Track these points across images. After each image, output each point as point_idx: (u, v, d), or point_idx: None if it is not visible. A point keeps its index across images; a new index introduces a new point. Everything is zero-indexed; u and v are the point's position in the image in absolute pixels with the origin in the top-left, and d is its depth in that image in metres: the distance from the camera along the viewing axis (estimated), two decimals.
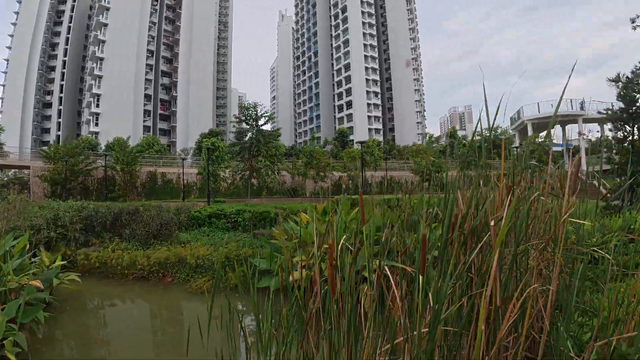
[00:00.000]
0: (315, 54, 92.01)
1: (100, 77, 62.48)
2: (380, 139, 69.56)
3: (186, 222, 16.54)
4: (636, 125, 7.34)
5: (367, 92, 78.34)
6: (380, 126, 79.57)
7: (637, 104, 7.35)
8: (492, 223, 2.10)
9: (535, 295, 2.44)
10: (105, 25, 63.90)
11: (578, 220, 2.68)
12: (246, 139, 22.97)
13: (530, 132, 31.04)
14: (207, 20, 77.53)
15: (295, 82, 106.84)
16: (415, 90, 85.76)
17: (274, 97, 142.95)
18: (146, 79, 67.96)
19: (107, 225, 15.31)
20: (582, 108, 31.06)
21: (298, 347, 2.64)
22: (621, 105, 7.70)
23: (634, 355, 3.22)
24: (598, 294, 5.57)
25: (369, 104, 78.03)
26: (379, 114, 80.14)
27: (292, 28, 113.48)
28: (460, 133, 71.75)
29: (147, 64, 68.29)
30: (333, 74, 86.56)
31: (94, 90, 61.73)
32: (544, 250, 2.60)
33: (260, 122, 22.70)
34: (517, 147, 21.30)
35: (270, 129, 25.75)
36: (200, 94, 73.19)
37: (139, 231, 14.35)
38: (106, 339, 8.57)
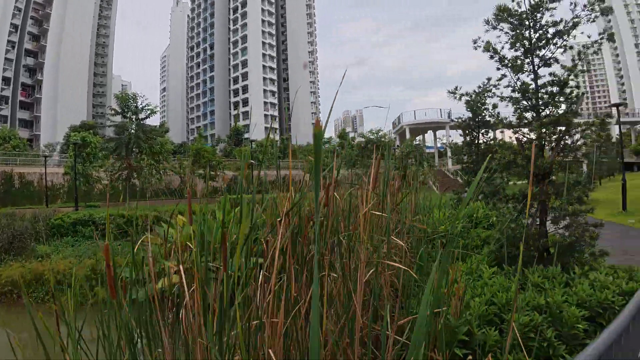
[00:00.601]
0: (212, 46, 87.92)
1: None
2: (277, 137, 69.95)
3: (46, 232, 14.16)
4: (480, 132, 8.76)
5: (265, 90, 78.15)
6: (276, 125, 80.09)
7: (481, 115, 8.72)
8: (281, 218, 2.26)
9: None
10: None
11: (376, 212, 3.00)
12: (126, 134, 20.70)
13: (407, 136, 34.72)
14: None
15: (188, 74, 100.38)
16: (312, 92, 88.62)
17: (164, 89, 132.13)
18: (6, 59, 56.30)
19: None
20: (449, 117, 35.89)
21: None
22: (469, 115, 9.17)
23: (462, 327, 3.66)
24: (442, 273, 6.37)
25: (265, 103, 77.90)
26: (276, 112, 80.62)
27: (188, 16, 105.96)
28: (352, 135, 76.12)
29: (8, 41, 56.58)
30: (230, 69, 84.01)
31: None
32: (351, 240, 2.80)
33: (142, 115, 20.67)
34: (395, 148, 23.56)
35: (159, 124, 23.73)
36: (73, 78, 63.31)
37: None
38: None
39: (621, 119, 51.36)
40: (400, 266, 2.67)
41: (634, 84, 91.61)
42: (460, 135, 9.44)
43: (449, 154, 34.39)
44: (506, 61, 5.10)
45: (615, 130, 24.49)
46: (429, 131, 36.09)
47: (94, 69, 79.02)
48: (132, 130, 20.51)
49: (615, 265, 5.37)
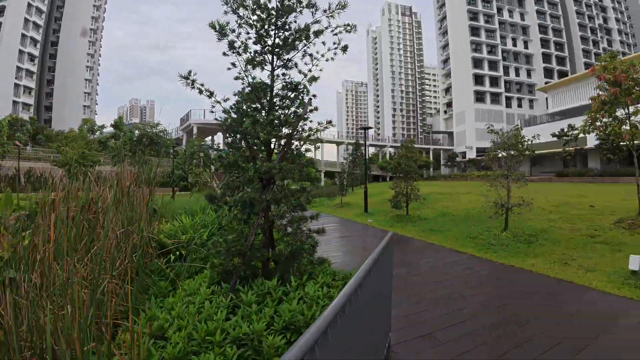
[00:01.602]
0: None
1: None
2: (28, 117, 54.38)
3: None
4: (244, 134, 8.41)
5: (21, 51, 59.80)
6: (31, 101, 62.36)
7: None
8: None
9: None
10: None
11: None
12: None
13: (195, 134, 33.01)
14: None
15: None
16: (89, 67, 73.80)
17: None
18: None
19: None
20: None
21: None
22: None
23: None
24: (174, 291, 5.31)
25: (20, 68, 59.66)
26: (33, 84, 62.85)
27: None
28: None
29: None
30: None
31: None
32: None
33: None
34: (175, 146, 21.67)
35: None
36: None
37: None
38: None
39: (375, 143, 64.89)
40: None
41: (385, 118, 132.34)
42: (227, 137, 8.87)
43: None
44: (236, 47, 4.56)
45: (370, 149, 30.11)
46: (219, 133, 35.33)
47: None
48: None
49: (335, 271, 5.56)
